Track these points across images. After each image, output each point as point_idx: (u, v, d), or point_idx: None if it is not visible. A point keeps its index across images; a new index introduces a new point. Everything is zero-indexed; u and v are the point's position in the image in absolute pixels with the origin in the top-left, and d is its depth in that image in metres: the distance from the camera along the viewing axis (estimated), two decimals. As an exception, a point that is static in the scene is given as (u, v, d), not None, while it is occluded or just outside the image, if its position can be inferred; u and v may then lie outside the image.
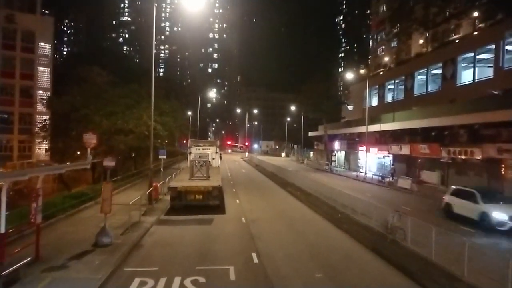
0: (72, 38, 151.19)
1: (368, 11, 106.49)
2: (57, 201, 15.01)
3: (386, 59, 53.28)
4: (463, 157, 24.29)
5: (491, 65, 30.00)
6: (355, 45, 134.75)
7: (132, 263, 9.71)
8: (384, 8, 55.45)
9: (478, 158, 22.87)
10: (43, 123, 30.40)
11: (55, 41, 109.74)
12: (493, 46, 29.07)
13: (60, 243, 10.76)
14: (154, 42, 17.90)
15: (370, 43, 65.82)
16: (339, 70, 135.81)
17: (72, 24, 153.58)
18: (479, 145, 22.80)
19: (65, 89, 28.90)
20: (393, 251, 10.60)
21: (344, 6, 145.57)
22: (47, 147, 32.59)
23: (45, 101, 32.82)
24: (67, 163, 18.77)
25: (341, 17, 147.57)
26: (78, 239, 11.20)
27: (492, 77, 29.09)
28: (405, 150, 31.69)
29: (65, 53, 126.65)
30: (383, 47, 57.12)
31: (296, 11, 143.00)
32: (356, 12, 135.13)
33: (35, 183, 9.04)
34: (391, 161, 35.76)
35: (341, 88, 56.73)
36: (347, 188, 23.18)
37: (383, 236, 12.06)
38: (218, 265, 9.60)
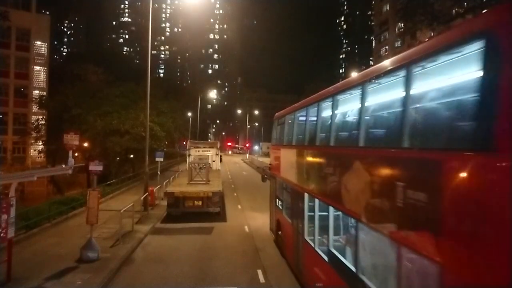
0: (72, 39, 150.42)
1: (369, 12, 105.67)
2: (43, 207, 13.74)
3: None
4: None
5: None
6: (356, 46, 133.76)
7: (120, 283, 8.45)
8: (388, 8, 54.43)
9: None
10: (36, 124, 29.20)
11: (55, 42, 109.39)
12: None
13: (39, 259, 9.49)
14: (150, 36, 16.72)
15: (373, 44, 64.77)
16: (340, 71, 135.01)
17: (72, 25, 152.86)
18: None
19: (61, 89, 27.78)
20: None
21: (345, 7, 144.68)
22: (40, 149, 31.38)
23: (37, 101, 31.64)
24: (46, 168, 17.50)
25: (342, 18, 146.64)
26: (61, 254, 9.93)
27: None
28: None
29: (65, 53, 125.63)
30: (387, 47, 56.07)
31: (297, 12, 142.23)
32: (357, 13, 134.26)
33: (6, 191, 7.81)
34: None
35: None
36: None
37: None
38: (219, 286, 8.36)
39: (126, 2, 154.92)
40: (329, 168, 6.21)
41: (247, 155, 74.90)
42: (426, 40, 3.58)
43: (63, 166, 11.65)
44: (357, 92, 5.08)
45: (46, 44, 40.65)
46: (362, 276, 4.54)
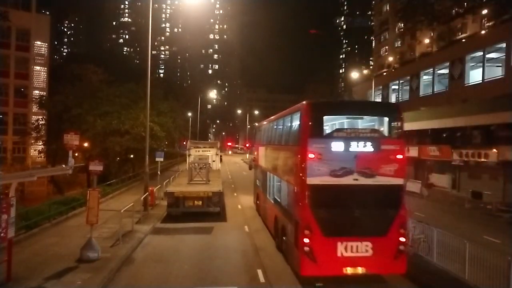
0: (72, 39, 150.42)
1: (369, 12, 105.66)
2: (43, 208, 13.73)
3: (390, 59, 52.15)
4: (476, 159, 23.05)
5: (500, 64, 28.94)
6: (356, 46, 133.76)
7: (120, 283, 8.45)
8: (388, 8, 54.39)
9: (494, 160, 21.65)
10: (36, 124, 29.17)
11: (55, 42, 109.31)
12: (504, 45, 27.91)
13: (39, 259, 9.49)
14: (150, 36, 16.72)
15: (373, 44, 64.70)
16: (340, 71, 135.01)
17: (72, 25, 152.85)
18: (494, 147, 21.60)
19: (61, 89, 27.74)
20: (417, 268, 9.36)
21: (345, 7, 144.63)
22: (40, 149, 31.35)
23: (37, 101, 31.62)
24: (46, 168, 17.46)
25: (342, 18, 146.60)
26: (61, 254, 9.93)
27: (502, 76, 27.97)
28: (413, 152, 30.42)
29: (65, 53, 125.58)
30: (387, 47, 56.01)
31: (297, 12, 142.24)
32: (357, 13, 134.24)
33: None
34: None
35: (343, 89, 55.56)
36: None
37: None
38: (219, 286, 8.36)
39: (126, 2, 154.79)
40: (274, 156, 12.53)
41: (247, 155, 74.82)
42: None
43: (63, 166, 11.66)
44: (276, 122, 12.89)
45: (46, 44, 40.64)
46: (281, 201, 10.81)
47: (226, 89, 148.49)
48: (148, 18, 16.14)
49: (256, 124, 18.59)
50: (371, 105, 13.14)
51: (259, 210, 16.35)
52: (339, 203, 8.27)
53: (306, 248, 7.93)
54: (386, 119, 8.94)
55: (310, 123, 8.35)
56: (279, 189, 11.16)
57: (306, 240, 7.95)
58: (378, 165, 8.28)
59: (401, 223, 8.50)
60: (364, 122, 9.74)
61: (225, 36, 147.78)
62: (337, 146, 8.22)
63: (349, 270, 8.10)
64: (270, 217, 12.58)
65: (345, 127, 9.76)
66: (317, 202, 8.10)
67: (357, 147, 8.26)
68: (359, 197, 8.32)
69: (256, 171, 17.55)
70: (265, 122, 16.34)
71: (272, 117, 13.83)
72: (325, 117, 8.87)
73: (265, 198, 14.19)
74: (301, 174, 8.24)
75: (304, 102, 8.96)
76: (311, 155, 8.06)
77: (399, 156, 8.47)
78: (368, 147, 8.29)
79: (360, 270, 8.12)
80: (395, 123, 8.85)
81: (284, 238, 10.03)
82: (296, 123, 9.53)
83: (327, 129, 9.67)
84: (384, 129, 8.98)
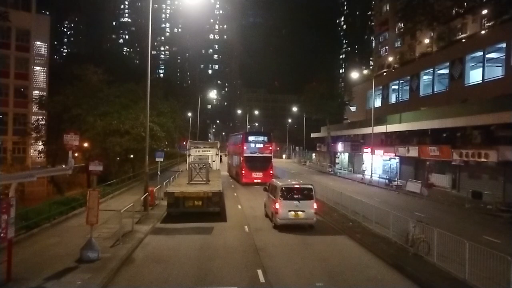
0: (72, 39, 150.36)
1: (369, 12, 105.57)
2: (43, 208, 13.73)
3: (390, 59, 52.11)
4: (476, 159, 23.03)
5: (500, 64, 28.92)
6: (356, 46, 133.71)
7: (120, 283, 8.44)
8: (388, 8, 54.42)
9: (494, 160, 21.63)
10: (36, 124, 29.15)
11: (55, 42, 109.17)
12: (504, 45, 27.89)
13: (39, 259, 9.49)
14: (150, 37, 16.72)
15: (373, 44, 64.69)
16: (340, 71, 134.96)
17: (72, 25, 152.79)
18: (494, 147, 21.59)
19: (61, 89, 27.72)
20: (418, 268, 9.37)
21: (345, 7, 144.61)
22: (40, 149, 31.33)
23: (37, 101, 31.59)
24: (46, 168, 17.47)
25: (342, 18, 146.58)
26: (61, 254, 9.92)
27: (502, 76, 27.96)
28: (413, 152, 30.43)
29: (65, 53, 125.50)
30: (387, 47, 56.00)
31: (297, 12, 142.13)
32: (357, 13, 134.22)
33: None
34: (396, 163, 34.51)
35: (343, 89, 55.51)
36: (354, 192, 21.97)
37: (403, 249, 10.82)
38: (219, 286, 8.36)
39: (126, 2, 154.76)
40: (234, 148, 34.36)
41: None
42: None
43: (63, 166, 11.66)
44: (235, 136, 38.38)
45: (46, 44, 40.55)
46: (236, 164, 32.19)
47: (226, 89, 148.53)
48: (148, 18, 16.13)
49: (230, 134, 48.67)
50: (262, 133, 35.79)
51: (229, 173, 35.05)
52: (253, 161, 28.60)
53: (243, 174, 28.58)
54: (266, 137, 30.89)
55: (244, 138, 29.90)
56: (236, 160, 31.40)
57: (243, 171, 28.57)
58: (264, 150, 29.31)
59: (271, 167, 29.25)
60: (261, 138, 30.20)
61: (225, 36, 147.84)
62: (252, 144, 29.34)
63: (255, 181, 27.64)
64: (232, 172, 33.52)
65: (255, 139, 29.62)
66: (247, 161, 28.63)
67: (258, 145, 29.38)
68: (258, 159, 28.71)
69: (228, 156, 39.56)
70: (232, 135, 42.41)
71: (233, 134, 40.53)
72: (248, 136, 30.40)
73: (231, 165, 35.42)
74: (242, 152, 28.81)
75: (243, 132, 36.82)
76: (245, 147, 28.95)
77: (270, 148, 30.01)
78: (261, 145, 29.43)
79: (259, 181, 27.12)
80: (269, 138, 30.86)
81: (236, 177, 31.02)
82: (241, 137, 30.82)
83: (249, 139, 29.49)
84: (266, 140, 30.15)
